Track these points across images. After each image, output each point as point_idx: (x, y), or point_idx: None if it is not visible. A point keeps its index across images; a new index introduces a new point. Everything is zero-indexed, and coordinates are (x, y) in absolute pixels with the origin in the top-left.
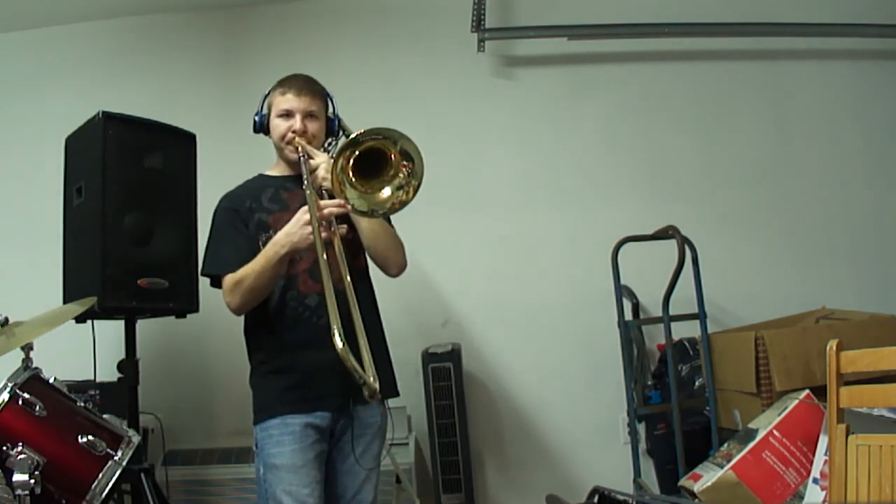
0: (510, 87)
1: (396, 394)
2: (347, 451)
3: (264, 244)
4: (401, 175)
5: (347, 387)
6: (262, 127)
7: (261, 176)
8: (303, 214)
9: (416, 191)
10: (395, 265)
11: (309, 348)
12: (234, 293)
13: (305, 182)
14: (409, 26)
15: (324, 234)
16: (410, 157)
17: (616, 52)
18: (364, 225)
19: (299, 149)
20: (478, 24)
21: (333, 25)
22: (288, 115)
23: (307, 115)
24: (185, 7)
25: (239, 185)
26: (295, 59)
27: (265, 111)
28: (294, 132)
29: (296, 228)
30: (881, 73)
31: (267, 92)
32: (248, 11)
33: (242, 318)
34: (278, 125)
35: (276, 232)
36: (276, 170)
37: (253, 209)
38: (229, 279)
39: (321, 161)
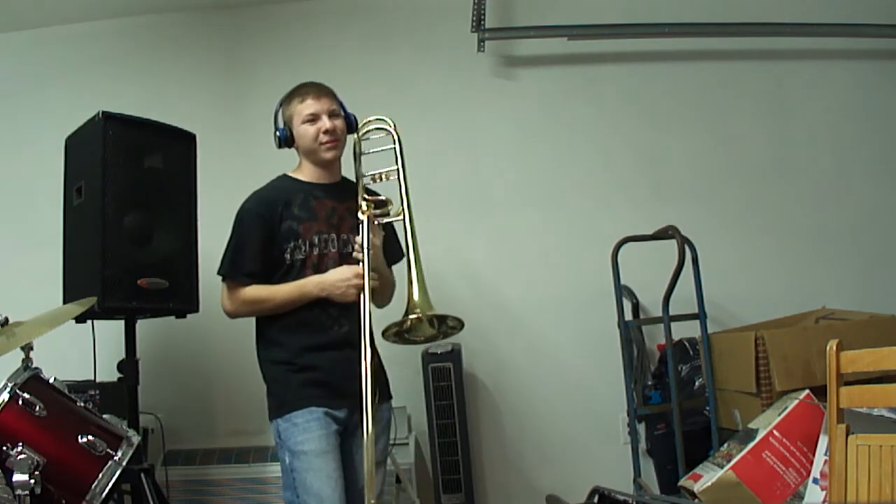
0: (510, 87)
1: (389, 397)
2: (360, 444)
3: (291, 252)
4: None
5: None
6: (286, 140)
7: (286, 177)
8: (353, 277)
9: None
10: (387, 302)
11: (329, 350)
12: (245, 306)
13: (363, 253)
14: (409, 26)
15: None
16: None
17: (616, 52)
18: (382, 270)
19: (365, 221)
20: (478, 24)
21: (333, 25)
22: (314, 118)
23: (331, 114)
24: (185, 7)
25: (266, 186)
26: (295, 59)
27: (282, 124)
28: (326, 131)
29: (341, 284)
30: (881, 73)
31: (277, 108)
32: (249, 11)
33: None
34: (307, 130)
35: (304, 241)
36: (303, 174)
37: (284, 217)
38: (249, 293)
39: (371, 242)
